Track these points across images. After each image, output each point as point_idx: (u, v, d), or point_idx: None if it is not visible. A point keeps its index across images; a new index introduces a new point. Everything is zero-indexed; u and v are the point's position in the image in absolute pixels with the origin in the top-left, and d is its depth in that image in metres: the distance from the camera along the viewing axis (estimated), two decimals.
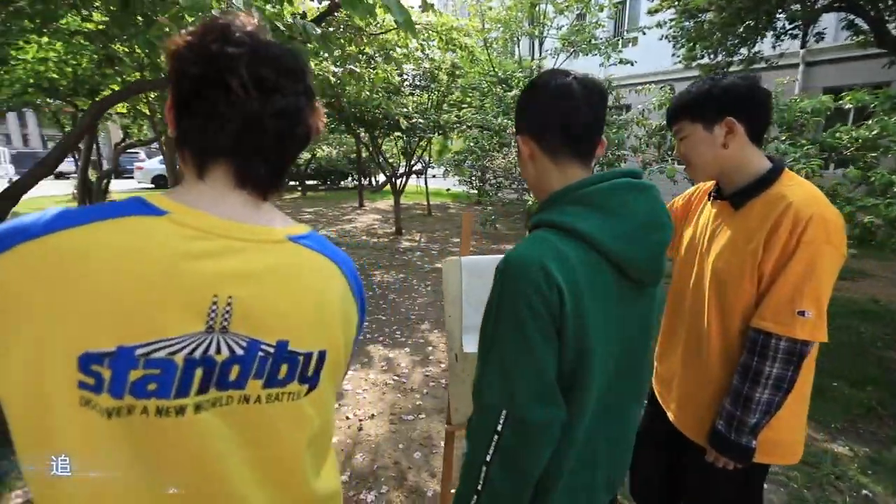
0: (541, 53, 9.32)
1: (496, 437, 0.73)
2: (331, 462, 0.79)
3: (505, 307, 0.73)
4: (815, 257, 1.01)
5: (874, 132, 2.82)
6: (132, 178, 16.21)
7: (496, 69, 8.60)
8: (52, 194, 11.69)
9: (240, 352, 0.57)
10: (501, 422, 0.73)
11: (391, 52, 4.04)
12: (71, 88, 5.06)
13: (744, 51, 6.86)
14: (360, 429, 2.56)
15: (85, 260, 0.50)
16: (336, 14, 2.92)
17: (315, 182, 18.15)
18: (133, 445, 0.52)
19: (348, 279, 0.71)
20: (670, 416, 1.34)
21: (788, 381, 1.05)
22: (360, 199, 12.72)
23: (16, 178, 5.23)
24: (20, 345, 0.49)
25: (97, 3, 2.28)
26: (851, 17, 6.16)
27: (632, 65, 6.76)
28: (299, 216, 10.52)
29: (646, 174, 4.40)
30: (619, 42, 7.54)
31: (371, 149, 8.11)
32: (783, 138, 3.38)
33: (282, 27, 1.67)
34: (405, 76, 6.64)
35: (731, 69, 7.47)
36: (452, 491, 1.00)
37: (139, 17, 1.89)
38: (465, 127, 7.54)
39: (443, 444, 1.59)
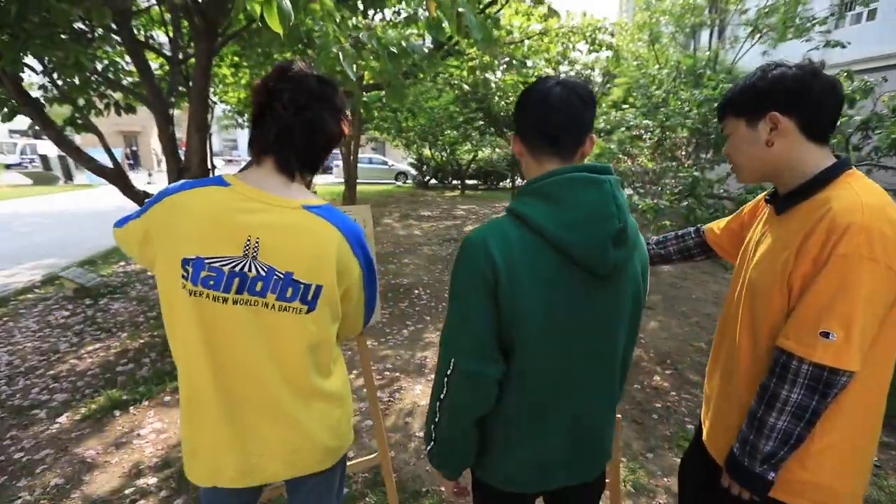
0: (718, 42, 8.12)
1: (446, 381, 0.91)
2: (339, 373, 1.11)
3: (456, 275, 0.93)
4: (850, 273, 0.87)
5: None
6: (332, 173, 19.84)
7: (671, 65, 7.85)
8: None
9: (263, 273, 0.93)
10: (450, 370, 0.90)
11: (513, 59, 4.22)
12: None
13: None
14: None
15: (183, 209, 0.92)
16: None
17: (475, 182, 19.23)
18: (200, 321, 0.93)
19: (349, 240, 0.99)
20: (704, 435, 1.27)
21: (812, 411, 0.92)
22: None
23: None
24: (159, 254, 0.93)
25: (287, 53, 3.10)
26: None
27: (843, 47, 5.38)
28: (452, 212, 11.43)
29: None
30: (830, 20, 6.03)
31: None
32: None
33: (395, 50, 2.07)
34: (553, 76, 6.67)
35: None
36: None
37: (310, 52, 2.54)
38: (622, 129, 7.16)
39: None
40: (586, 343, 0.91)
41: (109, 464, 2.23)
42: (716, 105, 4.30)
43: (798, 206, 1.01)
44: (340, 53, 1.65)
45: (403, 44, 2.08)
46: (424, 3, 1.38)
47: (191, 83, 2.87)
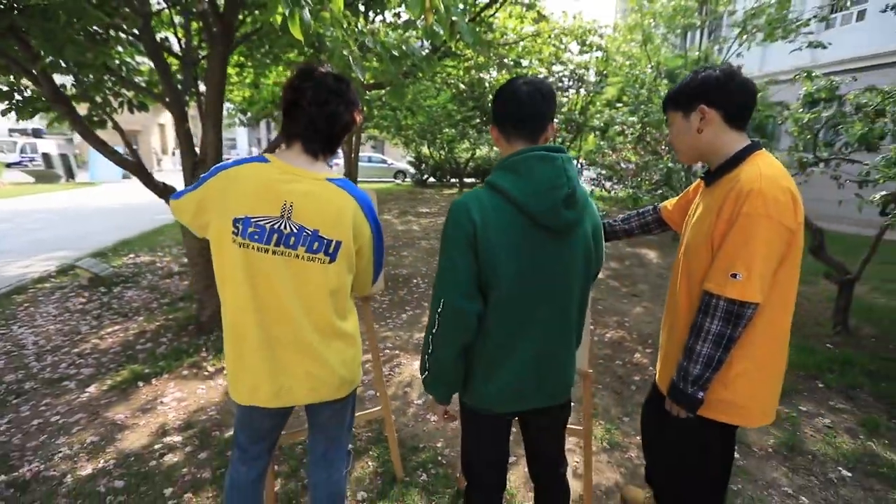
0: (709, 43, 8.38)
1: (438, 316, 1.17)
2: (352, 319, 1.35)
3: (445, 233, 1.18)
4: (751, 227, 1.13)
5: None
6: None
7: (655, 65, 8.11)
8: None
9: (295, 230, 1.17)
10: (441, 307, 1.15)
11: (508, 60, 4.46)
12: None
13: None
14: None
15: (236, 179, 1.17)
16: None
17: (473, 180, 19.47)
18: (245, 268, 1.17)
19: (361, 205, 1.25)
20: (656, 377, 1.53)
21: (728, 338, 1.17)
22: None
23: None
24: (214, 217, 1.17)
25: (307, 51, 3.33)
26: None
27: (824, 48, 5.61)
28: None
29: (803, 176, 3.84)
30: (812, 21, 6.27)
31: None
32: None
33: (396, 53, 2.31)
34: (550, 77, 6.90)
35: None
36: None
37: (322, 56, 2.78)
38: (617, 126, 7.42)
39: None
40: (546, 287, 1.16)
41: (138, 425, 2.48)
42: None
43: (721, 180, 1.27)
44: (350, 57, 1.89)
45: (404, 47, 2.32)
46: (422, 12, 1.61)
47: (205, 83, 3.10)
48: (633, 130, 4.18)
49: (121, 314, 4.09)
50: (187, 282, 5.03)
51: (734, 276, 1.14)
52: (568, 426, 1.45)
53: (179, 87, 3.51)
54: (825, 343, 3.63)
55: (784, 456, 2.29)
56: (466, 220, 1.11)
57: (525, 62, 5.72)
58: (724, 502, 1.49)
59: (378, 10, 3.88)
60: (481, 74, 3.83)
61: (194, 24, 4.05)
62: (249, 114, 7.80)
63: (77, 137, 4.38)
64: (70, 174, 17.68)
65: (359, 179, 9.92)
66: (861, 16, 10.51)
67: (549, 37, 4.64)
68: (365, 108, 6.67)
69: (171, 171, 19.37)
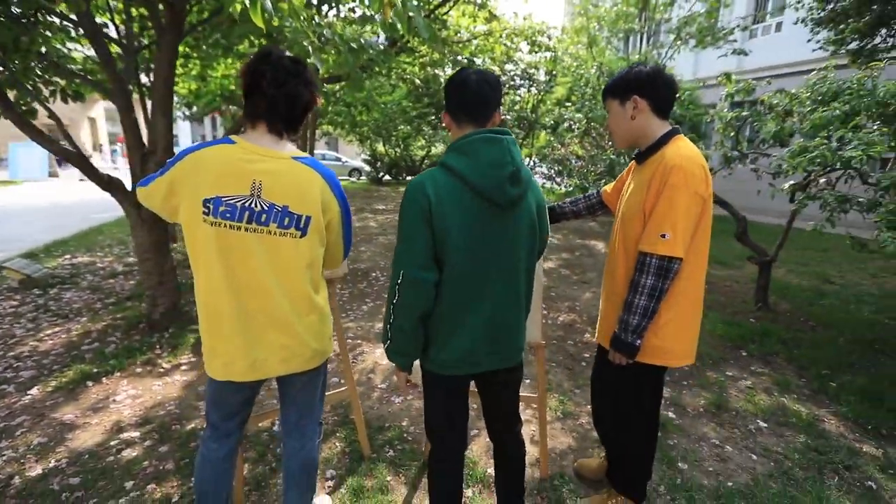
0: (648, 47, 8.98)
1: (397, 287, 1.26)
2: (324, 293, 1.42)
3: (402, 210, 1.27)
4: (675, 196, 1.35)
5: None
6: None
7: (602, 66, 8.58)
8: None
9: (265, 208, 1.23)
10: (400, 279, 1.24)
11: (462, 57, 4.62)
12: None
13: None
14: None
15: (203, 161, 1.21)
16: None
17: None
18: (219, 246, 1.22)
19: (327, 181, 1.29)
20: (596, 335, 1.71)
21: (659, 290, 1.39)
22: None
23: None
24: (183, 199, 1.20)
25: (261, 39, 3.29)
26: None
27: (745, 55, 6.23)
28: None
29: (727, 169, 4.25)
30: (737, 31, 6.91)
31: None
32: (874, 125, 3.13)
33: (354, 45, 2.37)
34: (503, 76, 7.12)
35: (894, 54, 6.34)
36: None
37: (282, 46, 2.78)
38: (566, 124, 7.78)
39: None
40: (494, 258, 1.28)
41: (90, 424, 2.39)
42: None
43: (649, 159, 1.49)
44: (310, 48, 1.94)
45: (362, 40, 2.39)
46: (380, 7, 1.69)
47: (154, 72, 3.00)
48: (579, 126, 4.48)
49: (60, 316, 3.86)
50: (133, 281, 4.80)
51: (663, 236, 1.36)
52: (525, 396, 1.60)
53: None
54: (749, 318, 4.06)
55: (713, 413, 2.58)
56: (422, 196, 1.20)
57: (478, 60, 5.89)
58: (656, 439, 1.71)
59: (333, 4, 3.88)
60: (436, 71, 3.95)
61: (134, 11, 3.87)
62: (196, 108, 7.46)
63: None
64: None
65: None
66: (779, 27, 11.63)
67: (501, 36, 4.84)
68: (323, 103, 6.58)
69: (102, 168, 17.97)
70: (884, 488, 2.04)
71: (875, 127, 3.13)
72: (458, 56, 4.64)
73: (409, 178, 18.83)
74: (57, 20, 3.53)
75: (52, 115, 3.30)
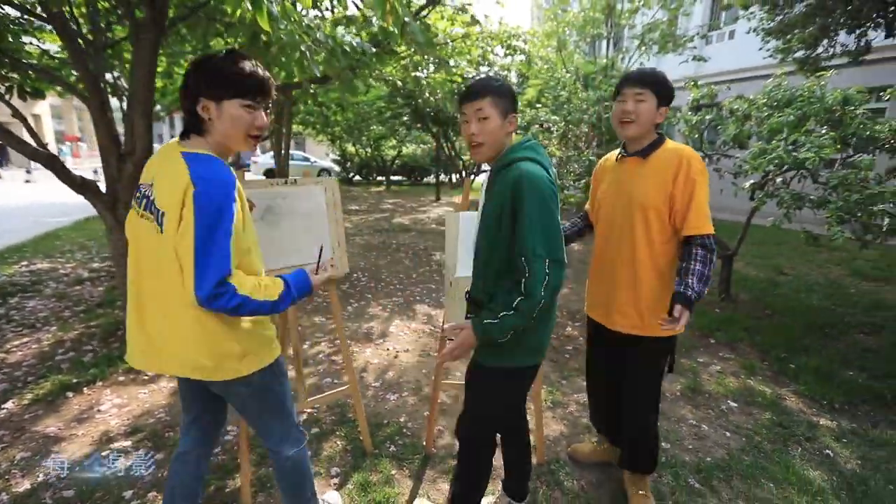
0: (614, 52, 9.35)
1: (546, 271, 1.20)
2: (188, 275, 1.11)
3: (535, 199, 1.22)
4: (702, 185, 1.57)
5: None
6: (249, 170, 18.94)
7: (571, 70, 8.87)
8: None
9: (151, 197, 1.18)
10: (547, 266, 1.20)
11: (439, 59, 4.71)
12: None
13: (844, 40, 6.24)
14: (396, 357, 3.28)
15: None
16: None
17: (400, 178, 19.54)
18: (129, 230, 1.24)
19: (193, 180, 1.09)
20: (612, 325, 1.76)
21: (711, 260, 1.56)
22: (438, 193, 13.62)
23: None
24: None
25: (242, 39, 3.23)
26: None
27: (704, 61, 6.62)
28: (380, 206, 11.69)
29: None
30: (695, 38, 7.33)
31: (446, 146, 8.87)
32: (822, 129, 3.42)
33: (347, 48, 2.40)
34: (476, 77, 7.26)
35: (834, 62, 6.88)
36: (445, 381, 1.71)
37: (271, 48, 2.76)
38: (536, 125, 7.98)
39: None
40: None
41: (76, 435, 2.31)
42: (606, 104, 5.08)
43: (654, 153, 1.63)
44: (308, 52, 1.96)
45: (354, 43, 2.42)
46: (384, 14, 1.73)
47: (134, 70, 2.90)
48: (557, 128, 4.65)
49: (26, 325, 3.66)
50: (102, 287, 4.60)
51: (707, 216, 1.57)
52: None
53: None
54: (714, 308, 4.34)
55: (689, 397, 2.78)
56: (551, 183, 1.27)
57: (452, 62, 5.98)
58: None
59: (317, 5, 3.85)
60: (416, 73, 4.00)
61: (100, 4, 3.70)
62: (160, 106, 7.15)
63: None
64: None
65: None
66: (732, 35, 12.34)
67: (477, 39, 4.94)
68: (295, 104, 6.39)
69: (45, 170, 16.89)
70: (839, 455, 2.27)
71: (823, 131, 3.44)
72: (440, 58, 4.71)
73: (380, 178, 18.72)
74: (13, 12, 3.35)
75: (16, 113, 3.14)
